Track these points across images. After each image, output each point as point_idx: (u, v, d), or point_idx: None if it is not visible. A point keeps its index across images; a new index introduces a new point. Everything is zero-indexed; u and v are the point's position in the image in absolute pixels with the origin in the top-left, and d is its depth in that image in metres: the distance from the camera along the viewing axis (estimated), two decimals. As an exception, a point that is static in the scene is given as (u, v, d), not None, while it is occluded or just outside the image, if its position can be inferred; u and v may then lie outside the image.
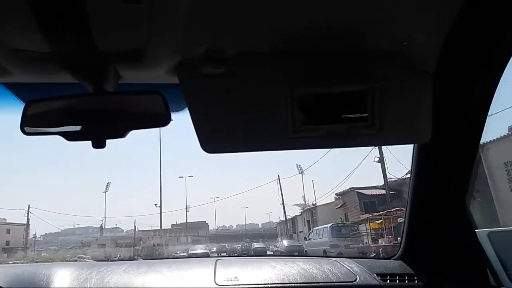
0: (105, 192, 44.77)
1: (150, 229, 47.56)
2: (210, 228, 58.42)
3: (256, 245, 29.00)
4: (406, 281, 1.73)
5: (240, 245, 31.12)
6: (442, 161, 1.58)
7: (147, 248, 33.43)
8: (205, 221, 61.60)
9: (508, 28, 1.14)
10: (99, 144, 1.13)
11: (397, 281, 1.73)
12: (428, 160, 1.64)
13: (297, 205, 49.83)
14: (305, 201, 45.59)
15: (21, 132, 1.14)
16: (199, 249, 26.67)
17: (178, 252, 27.33)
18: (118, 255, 23.13)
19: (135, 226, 42.23)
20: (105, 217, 47.31)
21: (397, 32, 1.13)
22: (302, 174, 43.57)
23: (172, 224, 54.71)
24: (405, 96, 1.18)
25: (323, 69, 1.16)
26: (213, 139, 1.21)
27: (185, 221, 55.02)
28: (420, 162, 1.66)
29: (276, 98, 1.15)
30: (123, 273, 1.74)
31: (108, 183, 46.64)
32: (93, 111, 1.18)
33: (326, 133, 1.18)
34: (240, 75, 1.16)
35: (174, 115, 1.18)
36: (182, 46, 1.10)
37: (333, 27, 1.10)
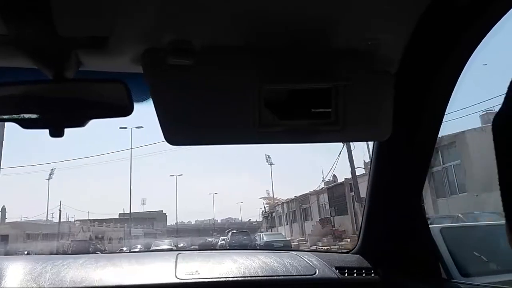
0: (48, 179, 40.04)
1: (87, 218, 41.92)
2: (169, 220, 53.01)
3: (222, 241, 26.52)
4: (363, 275, 1.79)
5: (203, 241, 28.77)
6: (400, 158, 1.63)
7: (78, 242, 26.71)
8: (162, 211, 55.33)
9: (465, 31, 1.19)
10: (57, 133, 1.09)
11: (355, 275, 1.79)
12: (386, 157, 1.69)
13: (264, 198, 49.25)
14: (273, 194, 45.02)
15: None
16: (163, 245, 23.07)
17: (124, 249, 24.42)
18: (27, 251, 17.78)
19: (60, 212, 35.63)
20: (47, 207, 41.84)
21: (361, 32, 1.15)
22: (271, 165, 42.95)
23: (119, 214, 46.88)
24: (368, 94, 1.21)
25: (290, 66, 1.17)
26: (177, 131, 1.19)
27: (141, 211, 48.95)
28: (379, 159, 1.71)
29: (243, 92, 1.15)
30: (80, 267, 1.69)
31: (52, 169, 40.62)
32: (52, 99, 1.13)
33: (291, 128, 1.19)
34: (207, 68, 1.14)
35: (137, 105, 1.16)
36: (148, 35, 1.08)
37: (300, 25, 1.11)
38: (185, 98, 1.16)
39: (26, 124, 1.10)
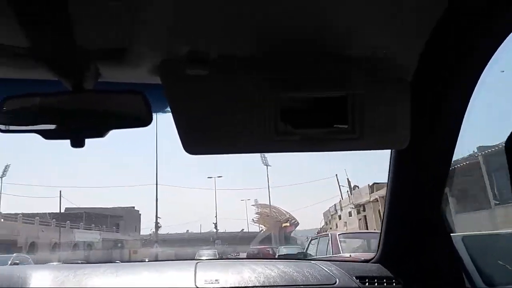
0: (1, 177, 33.34)
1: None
2: (142, 221, 39.36)
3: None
4: (385, 284, 1.76)
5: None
6: (419, 166, 1.61)
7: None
8: (133, 208, 40.32)
9: (482, 36, 1.18)
10: (77, 143, 1.11)
11: (376, 284, 1.76)
12: (405, 166, 1.66)
13: (256, 205, 45.54)
14: (270, 201, 41.47)
15: None
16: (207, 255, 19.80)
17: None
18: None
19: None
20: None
21: (377, 40, 1.15)
22: (267, 166, 40.17)
23: (66, 208, 34.04)
24: (384, 102, 1.20)
25: (306, 75, 1.17)
26: (195, 140, 1.20)
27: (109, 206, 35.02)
28: (397, 168, 1.69)
29: (259, 101, 1.16)
30: (102, 275, 1.70)
31: (6, 165, 34.63)
32: (72, 110, 1.15)
33: (307, 136, 1.19)
34: (224, 77, 1.15)
35: (156, 116, 1.17)
36: (165, 46, 1.10)
37: (315, 34, 1.11)
38: (202, 108, 1.17)
39: (48, 135, 1.12)
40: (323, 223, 36.94)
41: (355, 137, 1.19)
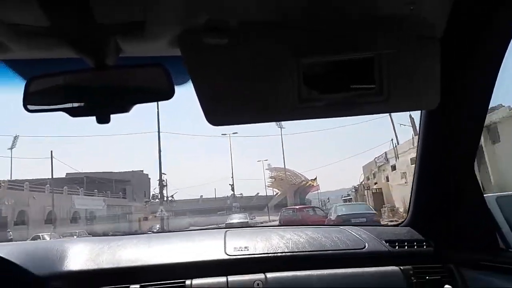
0: (10, 148, 32.97)
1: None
2: (152, 187, 34.23)
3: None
4: (415, 247, 1.75)
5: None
6: (450, 126, 1.56)
7: None
8: (142, 171, 37.00)
9: None
10: (103, 119, 1.12)
11: (406, 247, 1.75)
12: (435, 126, 1.62)
13: (269, 169, 43.83)
14: (284, 165, 40.25)
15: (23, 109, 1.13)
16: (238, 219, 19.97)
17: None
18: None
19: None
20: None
21: None
22: (281, 128, 38.04)
23: (67, 173, 31.22)
24: (413, 62, 1.16)
25: (329, 37, 1.13)
26: (218, 111, 1.19)
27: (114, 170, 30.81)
28: (427, 128, 1.65)
29: (281, 68, 1.13)
30: (134, 246, 1.76)
31: (15, 136, 33.99)
32: (96, 86, 1.16)
33: (333, 102, 1.17)
34: (244, 45, 1.13)
35: (177, 88, 1.17)
36: (183, 17, 1.08)
37: None
38: (223, 77, 1.15)
39: (74, 112, 1.14)
40: (362, 178, 33.75)
41: (382, 99, 1.15)
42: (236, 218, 22.01)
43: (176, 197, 36.15)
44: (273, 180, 46.23)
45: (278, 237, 1.79)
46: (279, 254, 1.70)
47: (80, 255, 1.68)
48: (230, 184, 41.28)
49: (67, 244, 1.77)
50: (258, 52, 1.14)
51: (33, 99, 1.15)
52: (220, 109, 1.19)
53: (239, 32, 1.10)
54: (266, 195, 45.27)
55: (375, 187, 29.47)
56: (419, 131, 1.69)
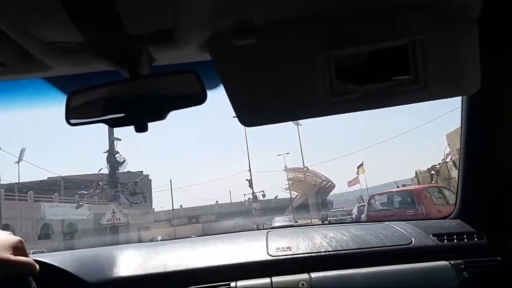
0: (18, 162, 30.94)
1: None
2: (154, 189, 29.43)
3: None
4: (465, 240, 1.68)
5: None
6: (494, 111, 1.49)
7: None
8: (141, 172, 32.20)
9: None
10: (142, 128, 1.15)
11: (455, 240, 1.68)
12: (478, 112, 1.55)
13: (287, 170, 40.55)
14: (303, 163, 37.79)
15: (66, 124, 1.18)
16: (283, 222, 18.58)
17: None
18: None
19: None
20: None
21: None
22: (298, 125, 35.55)
23: (48, 177, 27.58)
24: (449, 46, 1.11)
25: (359, 27, 1.11)
26: (251, 112, 1.20)
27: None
28: (470, 115, 1.58)
29: (311, 63, 1.12)
30: (180, 250, 1.80)
31: (22, 149, 32.19)
32: (132, 96, 1.19)
33: (367, 93, 1.14)
34: (272, 43, 1.13)
35: (210, 93, 1.18)
36: (210, 21, 1.09)
37: None
38: (254, 78, 1.15)
39: (113, 123, 1.17)
40: (447, 151, 24.18)
41: (419, 87, 1.12)
42: (281, 221, 21.25)
43: (186, 204, 33.39)
44: (291, 182, 44.46)
45: (321, 236, 1.76)
46: (322, 253, 1.67)
47: (128, 261, 1.73)
48: (247, 180, 37.73)
49: (115, 251, 1.83)
50: (287, 48, 1.13)
51: (74, 113, 1.19)
52: (253, 110, 1.19)
53: (266, 30, 1.09)
54: (289, 197, 43.61)
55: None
56: (461, 118, 1.62)
